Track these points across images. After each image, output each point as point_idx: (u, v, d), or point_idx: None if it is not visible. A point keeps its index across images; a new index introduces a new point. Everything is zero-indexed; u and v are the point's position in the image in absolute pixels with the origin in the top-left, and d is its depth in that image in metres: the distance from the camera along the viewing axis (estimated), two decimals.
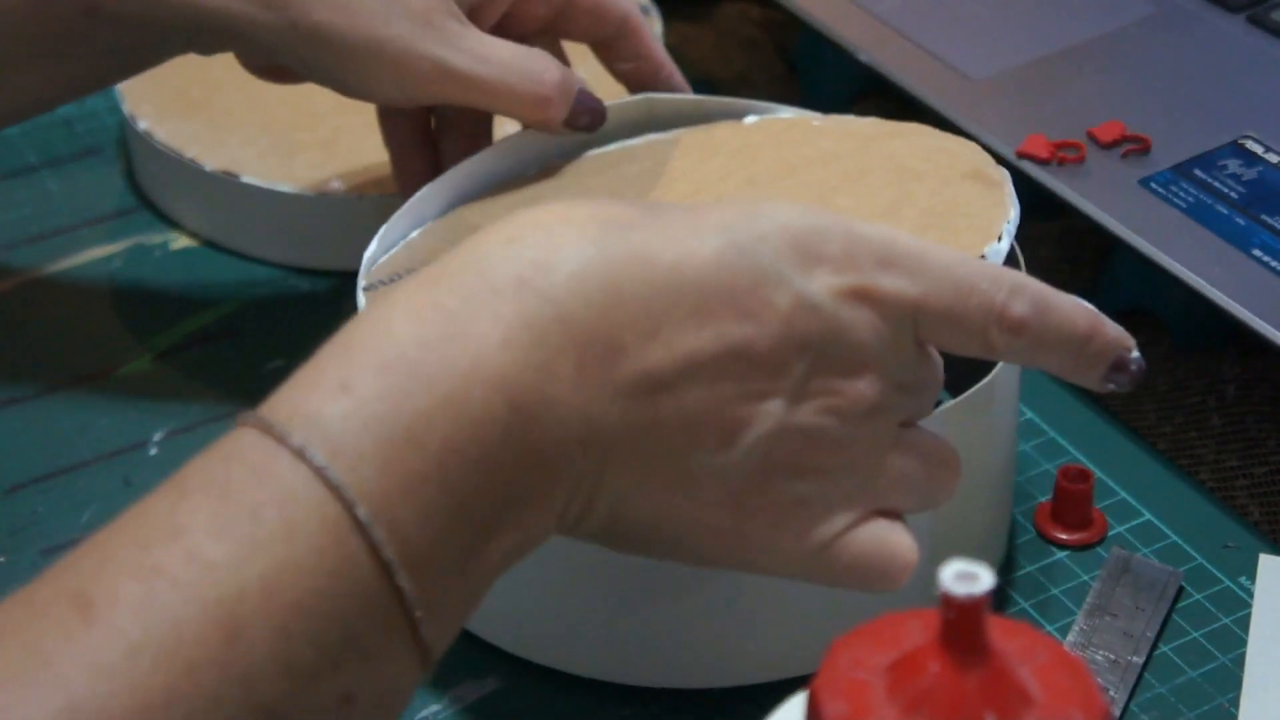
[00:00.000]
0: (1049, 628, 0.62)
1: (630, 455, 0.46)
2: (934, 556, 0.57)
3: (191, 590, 0.41)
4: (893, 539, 0.50)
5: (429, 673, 0.45)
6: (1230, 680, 0.60)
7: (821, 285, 0.48)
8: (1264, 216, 0.68)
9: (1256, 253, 0.67)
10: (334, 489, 0.42)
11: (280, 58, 0.64)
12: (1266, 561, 0.62)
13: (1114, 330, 0.52)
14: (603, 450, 0.46)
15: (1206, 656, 0.61)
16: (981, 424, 0.58)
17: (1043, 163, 0.71)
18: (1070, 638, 0.61)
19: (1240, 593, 0.63)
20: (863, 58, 0.78)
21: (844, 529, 0.50)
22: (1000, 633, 0.41)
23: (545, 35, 0.70)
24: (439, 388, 0.44)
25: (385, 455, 0.43)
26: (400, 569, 0.42)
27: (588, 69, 0.82)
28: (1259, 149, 0.72)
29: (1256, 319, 0.64)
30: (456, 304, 0.45)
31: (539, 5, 0.68)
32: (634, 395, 0.46)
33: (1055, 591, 0.63)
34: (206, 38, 0.64)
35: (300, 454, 0.42)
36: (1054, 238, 0.77)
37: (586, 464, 0.46)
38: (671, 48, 0.89)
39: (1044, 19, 0.79)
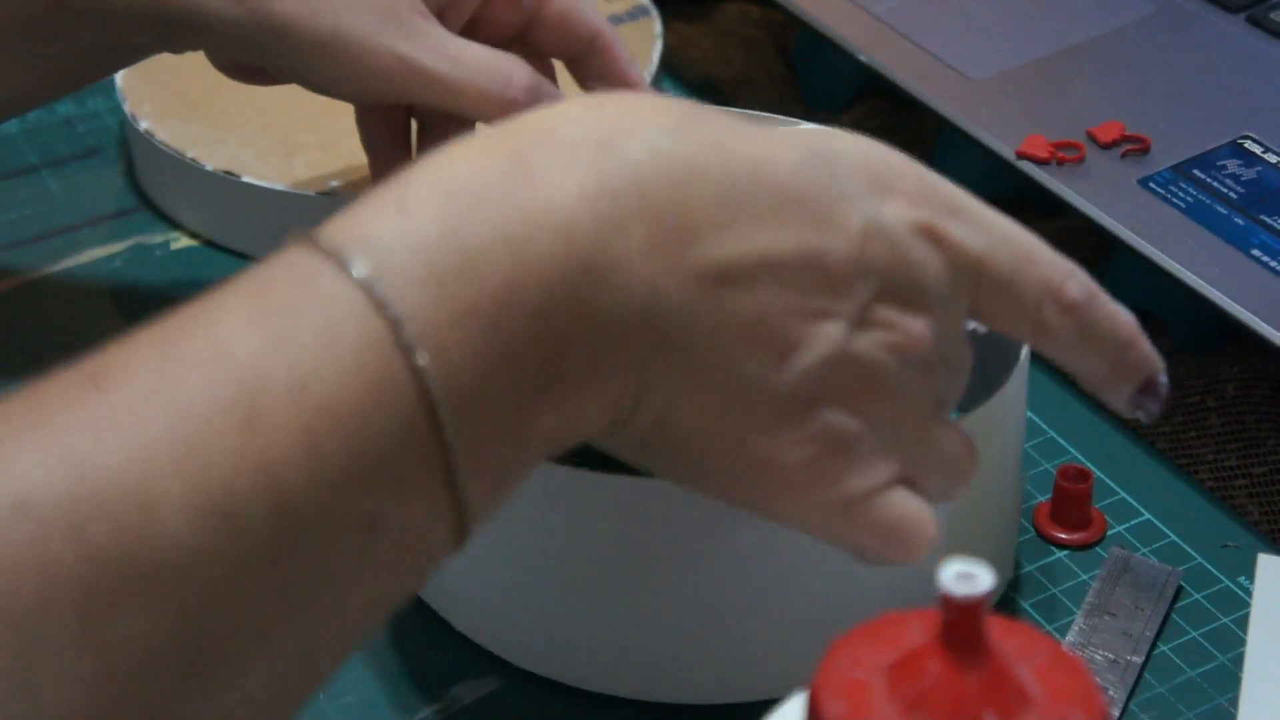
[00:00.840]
0: (1049, 628, 0.62)
1: (686, 349, 0.44)
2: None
3: (211, 372, 0.39)
4: (920, 510, 0.49)
5: (461, 543, 0.42)
6: (1229, 680, 0.60)
7: (894, 214, 0.47)
8: (1263, 216, 0.69)
9: (1255, 253, 0.67)
10: (380, 304, 0.40)
11: (246, 54, 0.64)
12: (1265, 561, 0.62)
13: (1150, 347, 0.51)
14: (662, 334, 0.44)
15: (1206, 656, 0.61)
16: (995, 436, 0.58)
17: (1042, 163, 0.71)
18: (1070, 637, 0.61)
19: (1239, 592, 0.63)
20: (863, 58, 0.78)
21: (877, 485, 0.48)
22: (1000, 633, 0.41)
23: (515, 44, 0.69)
24: (503, 225, 0.42)
25: (439, 281, 0.41)
26: (442, 400, 0.40)
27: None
28: (1258, 149, 0.72)
29: (1256, 319, 0.64)
30: (529, 152, 0.43)
31: (508, 12, 0.67)
32: (701, 282, 0.44)
33: (1055, 591, 0.63)
34: (174, 33, 0.63)
35: (345, 266, 0.40)
36: (1053, 238, 0.77)
37: (643, 346, 0.44)
38: (671, 48, 0.89)
39: (1044, 19, 0.80)
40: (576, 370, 0.43)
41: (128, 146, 0.82)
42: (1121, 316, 0.50)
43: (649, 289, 0.43)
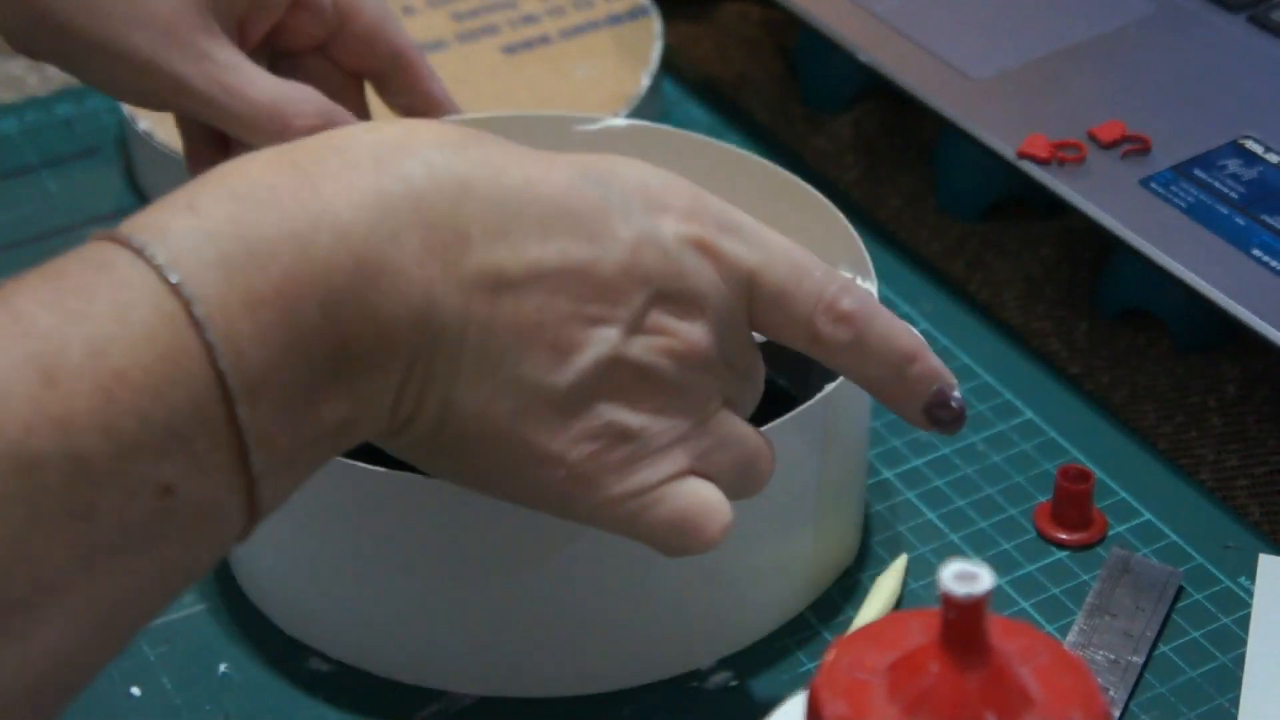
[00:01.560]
0: (1049, 628, 0.62)
1: (465, 349, 0.47)
2: (766, 567, 0.60)
3: (10, 338, 0.40)
4: (711, 498, 0.51)
5: (253, 523, 0.44)
6: (1230, 680, 0.60)
7: (668, 228, 0.50)
8: (1264, 216, 0.68)
9: (1256, 253, 0.67)
10: (172, 286, 0.42)
11: (28, 50, 0.64)
12: (1266, 561, 0.62)
13: (938, 362, 0.53)
14: (438, 334, 0.46)
15: (1206, 656, 0.61)
16: (814, 441, 0.59)
17: (1043, 163, 0.71)
18: (1070, 638, 0.61)
19: (1240, 593, 0.63)
20: (863, 58, 0.78)
21: (665, 478, 0.51)
22: (1000, 633, 0.41)
23: (316, 57, 0.69)
24: (287, 223, 0.44)
25: (227, 268, 0.43)
26: (233, 379, 0.42)
27: (591, 65, 0.82)
28: (1259, 149, 0.72)
29: (1256, 319, 0.64)
30: (313, 165, 0.46)
31: (310, 24, 0.67)
32: (476, 287, 0.47)
33: (1055, 591, 0.63)
34: None
35: (139, 252, 0.42)
36: (1054, 238, 0.77)
37: (423, 345, 0.46)
38: (671, 48, 0.89)
39: (1044, 19, 0.80)
40: (361, 364, 0.45)
41: (127, 146, 0.82)
42: (903, 332, 0.52)
43: (424, 293, 0.46)
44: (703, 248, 0.50)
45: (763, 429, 0.56)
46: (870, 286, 0.63)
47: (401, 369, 0.46)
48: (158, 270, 0.42)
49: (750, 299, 0.51)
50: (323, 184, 0.45)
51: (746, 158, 0.68)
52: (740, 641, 0.61)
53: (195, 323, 0.42)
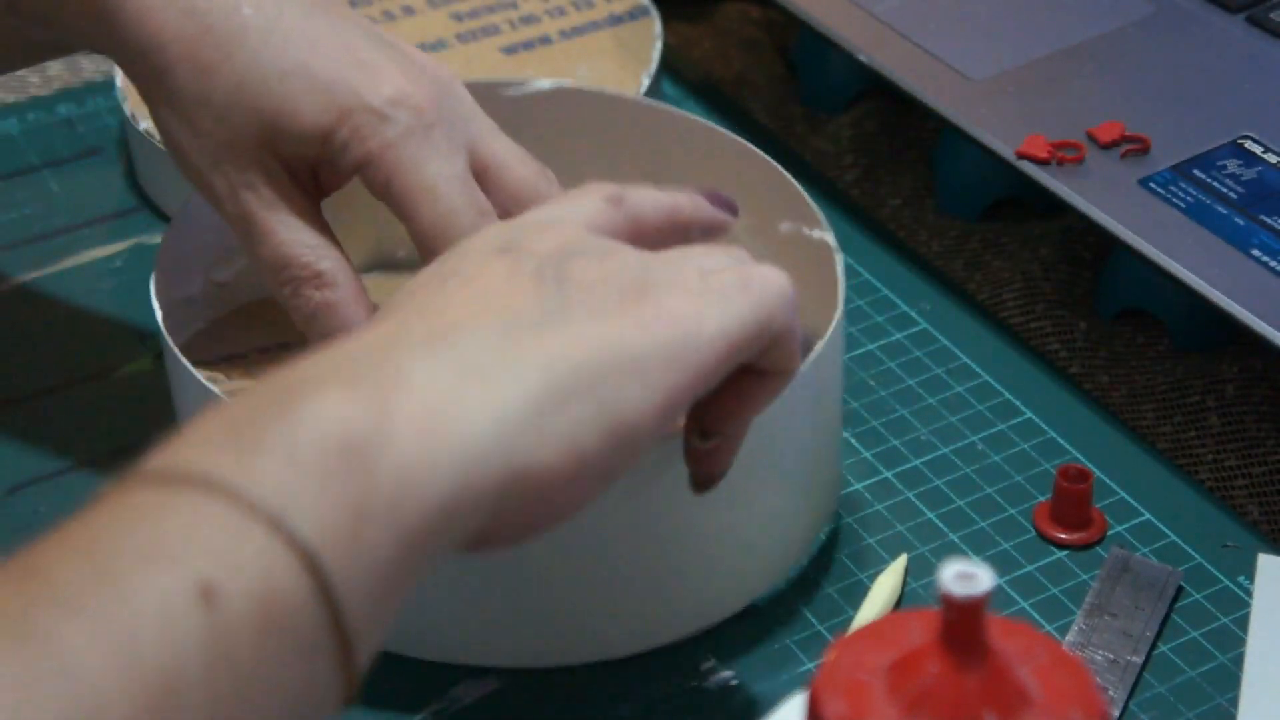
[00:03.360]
0: (1049, 627, 0.62)
1: None
2: (763, 524, 0.61)
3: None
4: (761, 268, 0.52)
5: (349, 700, 0.43)
6: (1229, 680, 0.60)
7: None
8: (1263, 216, 0.69)
9: (1255, 253, 0.67)
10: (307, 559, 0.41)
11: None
12: (1265, 561, 0.62)
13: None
14: None
15: (1206, 656, 0.61)
16: (806, 401, 0.60)
17: (1042, 163, 0.71)
18: (1070, 637, 0.61)
19: (1239, 592, 0.63)
20: (863, 58, 0.78)
21: (717, 268, 0.51)
22: (1000, 633, 0.41)
23: None
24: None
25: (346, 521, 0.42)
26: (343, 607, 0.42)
27: (591, 65, 0.82)
28: (1258, 149, 0.72)
29: (1256, 319, 0.64)
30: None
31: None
32: None
33: (1055, 591, 0.63)
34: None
35: (254, 512, 0.41)
36: (1054, 238, 0.78)
37: None
38: (671, 48, 0.89)
39: (1044, 19, 0.80)
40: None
41: (128, 146, 0.82)
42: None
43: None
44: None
45: None
46: (826, 236, 0.65)
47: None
48: (289, 545, 0.41)
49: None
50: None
51: (675, 114, 0.69)
52: (737, 604, 0.62)
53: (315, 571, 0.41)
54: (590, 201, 0.52)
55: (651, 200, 0.54)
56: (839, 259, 0.63)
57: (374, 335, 0.47)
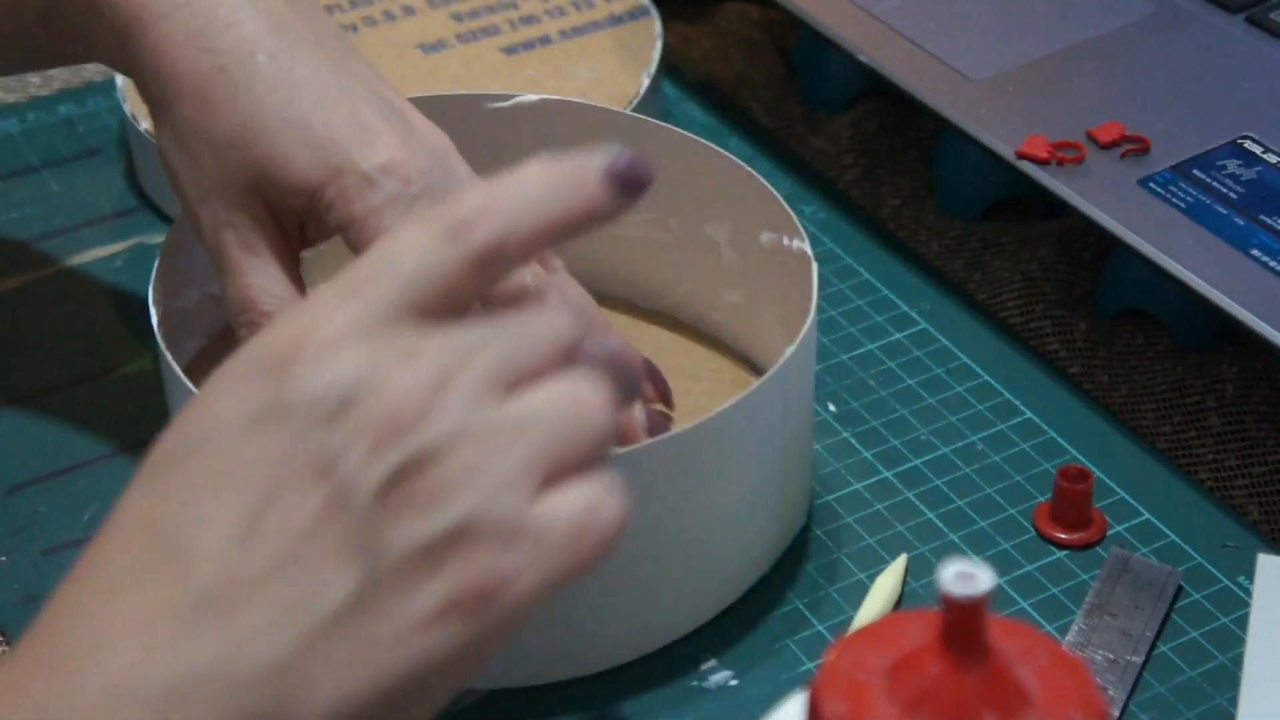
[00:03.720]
0: (1048, 627, 0.62)
1: None
2: (740, 527, 0.62)
3: None
4: (590, 492, 0.44)
5: None
6: (1229, 680, 0.60)
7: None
8: (1263, 217, 0.69)
9: (1255, 253, 0.67)
10: None
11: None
12: (1265, 561, 0.62)
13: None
14: None
15: (1205, 656, 0.61)
16: (778, 404, 0.60)
17: (1042, 163, 0.72)
18: (1069, 637, 0.61)
19: (1239, 592, 0.63)
20: (863, 58, 0.78)
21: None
22: (1000, 633, 0.41)
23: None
24: None
25: None
26: None
27: (591, 65, 0.82)
28: (1258, 149, 0.72)
29: (1255, 319, 0.64)
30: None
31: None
32: None
33: (1055, 591, 0.63)
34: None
35: None
36: (1053, 238, 0.78)
37: None
38: (671, 48, 0.89)
39: (1044, 19, 0.80)
40: None
41: (128, 146, 0.82)
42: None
43: None
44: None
45: (732, 401, 0.57)
46: (804, 246, 0.65)
47: None
48: None
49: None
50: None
51: (658, 126, 0.69)
52: (716, 608, 0.62)
53: None
54: (420, 244, 0.45)
55: (512, 215, 0.45)
56: (814, 269, 0.63)
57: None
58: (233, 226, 0.59)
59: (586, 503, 0.43)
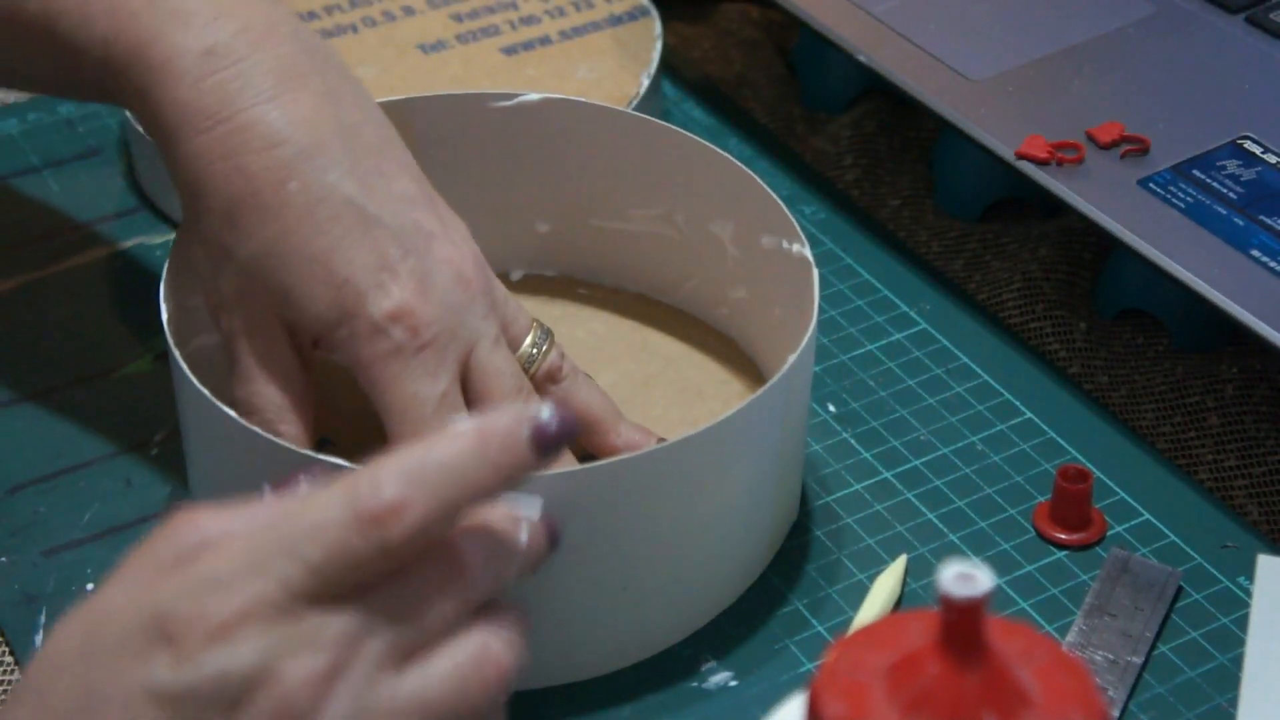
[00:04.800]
0: (1048, 628, 0.62)
1: None
2: (737, 533, 0.62)
3: None
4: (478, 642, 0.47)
5: None
6: (1229, 680, 0.60)
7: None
8: (1262, 217, 0.69)
9: (1255, 253, 0.67)
10: None
11: None
12: (1265, 561, 0.62)
13: (505, 417, 0.48)
14: None
15: (1205, 656, 0.61)
16: (778, 411, 0.61)
17: (1042, 163, 0.72)
18: (1069, 638, 0.61)
19: (1239, 593, 0.63)
20: (862, 58, 0.78)
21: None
22: (1000, 633, 0.41)
23: None
24: None
25: None
26: None
27: (591, 66, 0.82)
28: (1258, 149, 0.72)
29: (1255, 319, 0.64)
30: None
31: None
32: None
33: (1055, 591, 0.63)
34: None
35: None
36: (1053, 238, 0.78)
37: None
38: (671, 48, 0.89)
39: (1044, 19, 0.80)
40: None
41: (128, 147, 0.82)
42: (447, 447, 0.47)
43: None
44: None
45: (731, 412, 0.57)
46: (805, 251, 0.64)
47: None
48: None
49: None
50: None
51: (661, 127, 0.69)
52: (714, 609, 0.62)
53: None
54: (334, 530, 0.45)
55: (436, 496, 0.46)
56: (815, 275, 0.63)
57: None
58: (247, 336, 0.61)
59: None
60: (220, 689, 0.44)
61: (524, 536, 0.49)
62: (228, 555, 0.45)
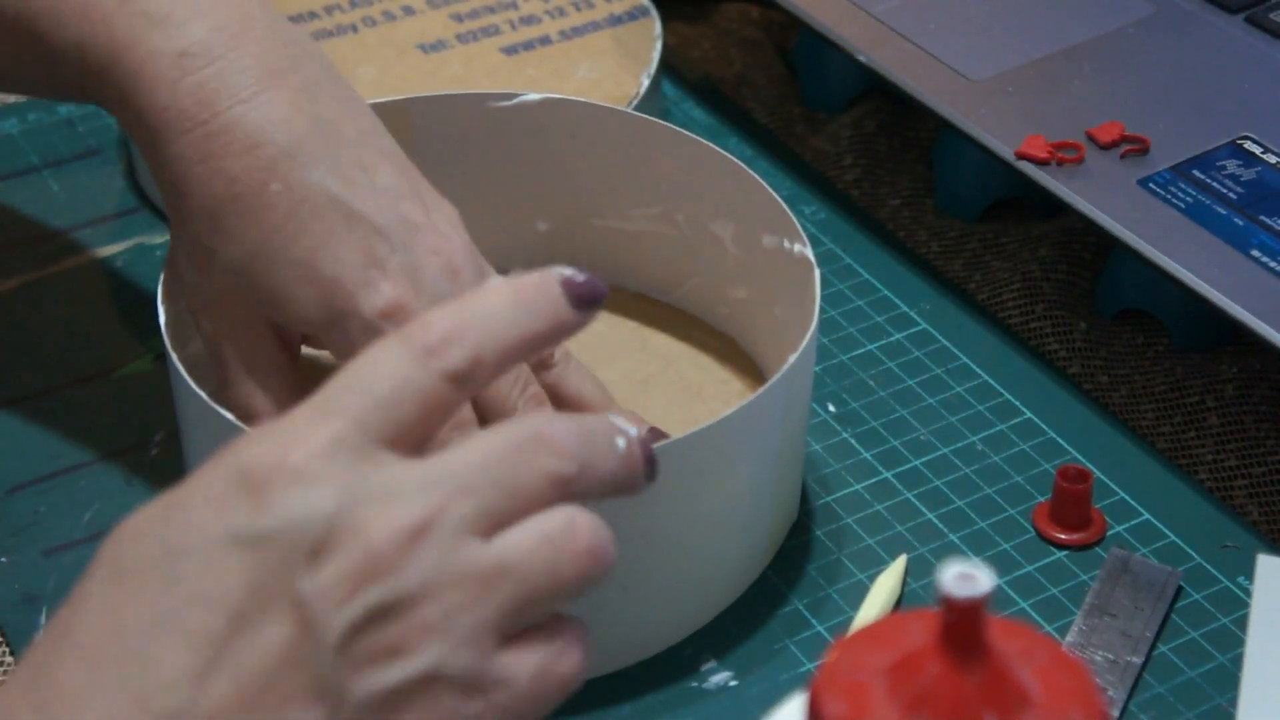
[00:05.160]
0: (1048, 628, 0.62)
1: None
2: (737, 531, 0.62)
3: None
4: (551, 645, 0.46)
5: None
6: (1229, 680, 0.60)
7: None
8: (1262, 217, 0.69)
9: (1255, 253, 0.67)
10: None
11: None
12: (1265, 561, 0.62)
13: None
14: None
15: (1205, 656, 0.61)
16: (778, 411, 0.61)
17: (1042, 163, 0.72)
18: (1069, 638, 0.61)
19: (1239, 593, 0.63)
20: (862, 58, 0.78)
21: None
22: (1000, 633, 0.41)
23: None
24: None
25: None
26: None
27: (591, 66, 0.82)
28: (1257, 149, 0.72)
29: (1255, 319, 0.64)
30: None
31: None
32: None
33: (1055, 591, 0.63)
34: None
35: None
36: (1053, 238, 0.78)
37: None
38: (671, 48, 0.89)
39: (1044, 19, 0.80)
40: None
41: (128, 146, 0.82)
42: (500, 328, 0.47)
43: None
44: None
45: (731, 412, 0.57)
46: (806, 251, 0.65)
47: None
48: None
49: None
50: None
51: (661, 126, 0.70)
52: (715, 609, 0.62)
53: None
54: (392, 367, 0.45)
55: (483, 335, 0.46)
56: (816, 275, 0.63)
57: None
58: (232, 340, 0.60)
59: (547, 654, 0.45)
60: (300, 533, 0.42)
61: (620, 442, 0.47)
62: (299, 412, 0.45)
